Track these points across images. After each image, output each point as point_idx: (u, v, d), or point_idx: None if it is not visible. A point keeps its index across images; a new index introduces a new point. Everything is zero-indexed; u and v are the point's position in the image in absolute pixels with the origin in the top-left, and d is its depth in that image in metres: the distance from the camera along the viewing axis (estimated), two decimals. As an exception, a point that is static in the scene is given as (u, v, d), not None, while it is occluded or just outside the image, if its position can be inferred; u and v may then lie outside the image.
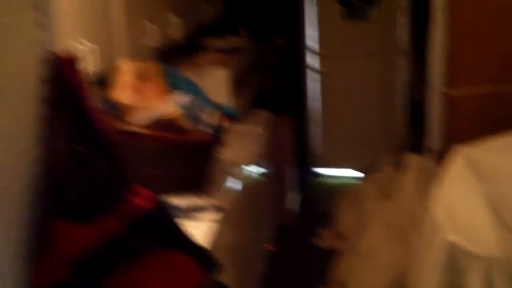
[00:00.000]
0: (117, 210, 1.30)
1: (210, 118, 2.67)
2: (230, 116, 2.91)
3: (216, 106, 2.83)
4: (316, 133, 5.81)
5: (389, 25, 5.38)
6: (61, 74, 1.32)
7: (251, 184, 3.40)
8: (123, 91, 2.55)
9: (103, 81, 2.62)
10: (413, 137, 4.72)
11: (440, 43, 3.03)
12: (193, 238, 1.48)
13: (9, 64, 1.26)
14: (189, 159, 2.53)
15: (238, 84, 4.19)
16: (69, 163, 1.27)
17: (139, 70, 2.67)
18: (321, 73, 5.59)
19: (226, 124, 2.75)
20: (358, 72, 5.56)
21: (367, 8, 5.40)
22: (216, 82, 3.87)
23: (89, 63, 2.34)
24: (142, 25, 3.04)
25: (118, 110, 2.53)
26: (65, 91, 1.32)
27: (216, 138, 2.63)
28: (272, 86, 5.26)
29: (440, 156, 3.17)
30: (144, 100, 2.59)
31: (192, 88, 2.85)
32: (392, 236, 3.71)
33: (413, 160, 3.93)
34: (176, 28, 3.54)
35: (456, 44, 2.91)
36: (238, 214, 3.04)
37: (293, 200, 4.99)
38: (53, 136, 1.29)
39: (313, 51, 5.54)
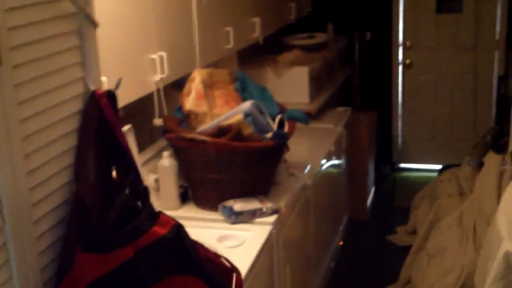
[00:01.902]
0: (136, 240, 1.43)
1: (274, 123, 2.77)
2: (299, 119, 2.99)
3: (284, 111, 2.92)
4: (399, 127, 5.77)
5: (485, 17, 5.26)
6: (96, 107, 1.52)
7: (321, 181, 3.50)
8: (192, 99, 2.71)
9: (180, 88, 2.81)
10: (500, 135, 4.63)
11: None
12: (206, 263, 1.61)
13: (52, 99, 1.49)
14: (252, 165, 2.64)
15: (319, 81, 4.27)
16: (98, 193, 1.45)
17: (210, 77, 2.79)
18: (407, 66, 5.57)
19: (291, 128, 2.83)
20: (447, 64, 5.48)
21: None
22: (296, 80, 3.99)
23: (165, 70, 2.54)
24: (222, 31, 3.16)
25: (187, 117, 2.71)
26: (100, 123, 1.51)
27: (279, 143, 2.74)
28: (357, 81, 5.31)
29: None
30: (212, 108, 2.74)
31: (261, 94, 2.96)
32: (463, 236, 3.71)
33: (494, 160, 3.88)
34: (258, 29, 3.63)
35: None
36: (304, 212, 3.17)
37: (371, 195, 5.05)
38: (84, 165, 1.48)
39: (400, 44, 5.53)
